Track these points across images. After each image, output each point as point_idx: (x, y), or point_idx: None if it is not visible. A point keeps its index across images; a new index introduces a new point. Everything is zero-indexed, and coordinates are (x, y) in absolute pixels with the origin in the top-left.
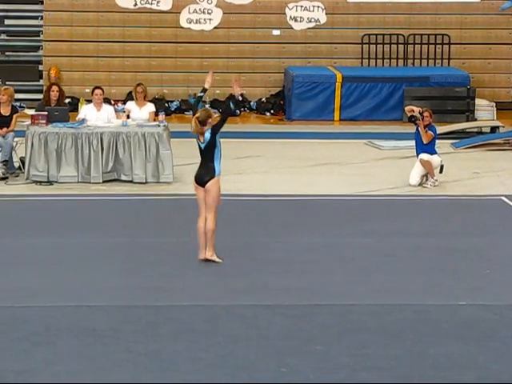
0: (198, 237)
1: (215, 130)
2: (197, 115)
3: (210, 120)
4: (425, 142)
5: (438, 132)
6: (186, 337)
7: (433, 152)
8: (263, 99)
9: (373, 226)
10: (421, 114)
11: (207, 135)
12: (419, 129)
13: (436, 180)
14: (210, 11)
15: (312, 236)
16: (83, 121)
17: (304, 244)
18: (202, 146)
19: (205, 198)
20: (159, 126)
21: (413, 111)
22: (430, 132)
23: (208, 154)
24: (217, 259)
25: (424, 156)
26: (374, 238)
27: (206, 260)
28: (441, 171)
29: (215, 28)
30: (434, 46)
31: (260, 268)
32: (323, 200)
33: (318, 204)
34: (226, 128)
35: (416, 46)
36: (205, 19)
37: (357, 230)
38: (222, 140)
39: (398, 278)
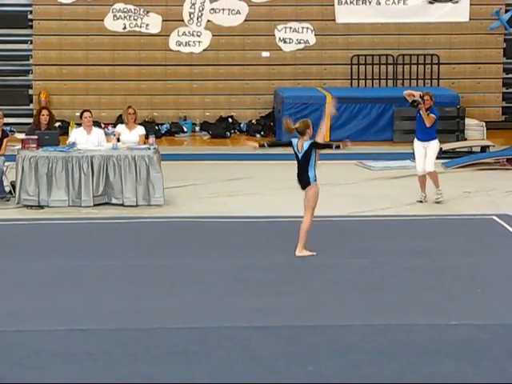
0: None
1: (315, 145)
2: (296, 126)
3: (308, 130)
4: (427, 126)
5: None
6: (179, 359)
7: (433, 135)
8: (253, 121)
9: (365, 246)
10: (421, 97)
11: (306, 145)
12: (421, 112)
13: (440, 190)
14: (199, 34)
15: (304, 256)
16: (73, 144)
17: (296, 264)
18: (300, 155)
19: (304, 199)
20: (149, 148)
21: (413, 95)
22: (431, 115)
23: (304, 162)
24: (306, 253)
25: (428, 167)
26: (366, 258)
27: (298, 256)
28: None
29: (204, 50)
30: (423, 66)
31: (251, 289)
32: (315, 221)
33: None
34: (215, 150)
35: (405, 66)
36: (194, 42)
37: (350, 251)
38: (211, 162)
39: (391, 298)
